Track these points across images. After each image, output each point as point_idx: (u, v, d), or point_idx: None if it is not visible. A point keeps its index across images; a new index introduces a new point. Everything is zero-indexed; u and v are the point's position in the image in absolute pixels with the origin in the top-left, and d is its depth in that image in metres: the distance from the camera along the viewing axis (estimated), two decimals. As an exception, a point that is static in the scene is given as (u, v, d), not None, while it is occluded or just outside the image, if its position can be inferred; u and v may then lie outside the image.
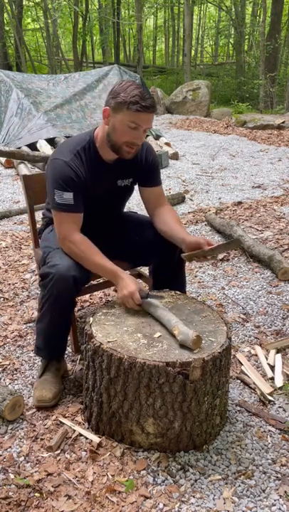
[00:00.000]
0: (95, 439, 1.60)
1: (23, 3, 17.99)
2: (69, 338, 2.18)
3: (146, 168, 1.90)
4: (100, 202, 1.88)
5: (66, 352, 2.12)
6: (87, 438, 1.62)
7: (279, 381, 1.94)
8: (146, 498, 1.39)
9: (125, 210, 2.20)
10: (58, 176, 1.69)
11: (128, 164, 1.83)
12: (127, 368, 1.45)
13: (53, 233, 1.92)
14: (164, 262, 1.93)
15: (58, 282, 1.64)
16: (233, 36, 20.27)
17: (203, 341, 1.53)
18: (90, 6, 19.03)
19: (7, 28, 17.55)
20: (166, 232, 1.87)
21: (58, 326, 1.78)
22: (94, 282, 2.28)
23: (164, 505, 1.37)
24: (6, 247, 3.47)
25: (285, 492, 1.43)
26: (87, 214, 1.85)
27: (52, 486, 1.43)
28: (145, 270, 2.37)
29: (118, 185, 1.90)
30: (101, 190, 1.84)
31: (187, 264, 3.13)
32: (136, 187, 2.00)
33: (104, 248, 1.75)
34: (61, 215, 1.72)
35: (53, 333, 1.81)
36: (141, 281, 2.32)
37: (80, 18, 17.60)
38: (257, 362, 2.10)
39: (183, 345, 1.50)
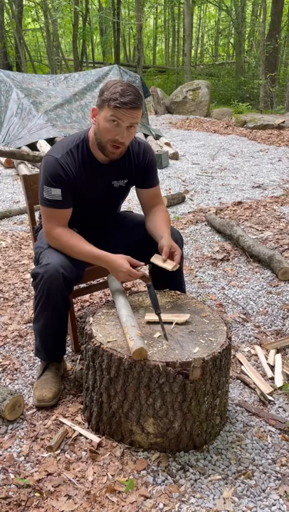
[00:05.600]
0: (95, 439, 1.60)
1: (23, 3, 17.99)
2: (69, 338, 2.18)
3: (142, 169, 1.90)
4: (95, 203, 1.89)
5: (66, 352, 2.12)
6: (87, 438, 1.62)
7: (279, 381, 1.94)
8: (146, 498, 1.39)
9: (123, 209, 2.20)
10: (48, 173, 1.71)
11: (123, 165, 1.83)
12: (127, 368, 1.45)
13: None
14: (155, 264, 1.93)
15: (48, 281, 1.65)
16: (233, 36, 20.27)
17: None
18: (90, 6, 19.02)
19: (7, 28, 17.55)
20: (150, 230, 1.91)
21: (52, 326, 1.77)
22: (94, 282, 2.28)
23: (164, 505, 1.37)
24: (6, 247, 3.47)
25: (285, 492, 1.43)
26: (83, 214, 1.85)
27: (52, 486, 1.43)
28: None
29: (114, 186, 1.90)
30: (96, 190, 1.84)
31: (187, 264, 3.13)
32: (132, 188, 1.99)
33: (102, 249, 1.75)
34: (48, 211, 1.74)
35: (49, 334, 1.80)
36: (140, 281, 2.32)
37: (80, 18, 17.59)
38: (257, 362, 2.10)
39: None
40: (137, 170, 1.89)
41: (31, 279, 1.74)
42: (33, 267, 3.05)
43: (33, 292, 2.73)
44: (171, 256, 1.74)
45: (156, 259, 1.76)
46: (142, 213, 2.06)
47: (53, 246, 1.75)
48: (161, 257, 1.74)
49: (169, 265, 1.72)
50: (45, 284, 1.66)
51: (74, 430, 1.65)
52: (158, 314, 1.61)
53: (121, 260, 1.69)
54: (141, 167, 1.89)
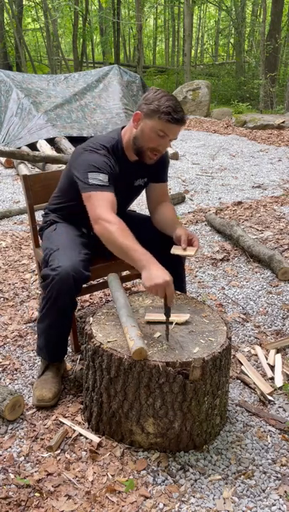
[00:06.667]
0: (95, 439, 1.60)
1: (23, 3, 17.98)
2: (69, 338, 2.18)
3: (159, 166, 1.96)
4: (119, 200, 1.89)
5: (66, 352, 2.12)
6: (87, 438, 1.62)
7: (279, 381, 1.94)
8: (146, 498, 1.39)
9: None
10: (93, 161, 1.72)
11: (145, 164, 1.87)
12: (127, 368, 1.45)
13: (56, 233, 1.92)
14: (163, 260, 1.93)
15: (58, 284, 1.65)
16: (233, 36, 20.27)
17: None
18: (90, 7, 19.02)
19: (7, 28, 17.55)
20: (160, 222, 1.94)
21: (58, 326, 1.78)
22: (94, 282, 2.28)
23: (164, 505, 1.37)
24: (6, 247, 3.47)
25: (285, 492, 1.43)
26: None
27: (52, 486, 1.43)
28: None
29: (134, 184, 1.96)
30: (123, 188, 1.89)
31: (187, 264, 3.13)
32: None
33: None
34: (97, 195, 1.68)
35: (52, 335, 1.81)
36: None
37: (80, 18, 17.59)
38: (257, 362, 2.10)
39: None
40: (155, 167, 1.94)
41: (40, 280, 1.74)
42: (33, 266, 3.06)
43: (33, 292, 2.73)
44: (189, 243, 1.78)
45: (177, 250, 1.78)
46: (142, 212, 2.08)
47: (99, 232, 1.64)
48: (180, 247, 1.77)
49: (192, 251, 1.75)
50: (55, 286, 1.66)
51: (74, 430, 1.65)
52: (167, 318, 1.58)
53: (165, 270, 1.56)
54: (158, 164, 1.93)
